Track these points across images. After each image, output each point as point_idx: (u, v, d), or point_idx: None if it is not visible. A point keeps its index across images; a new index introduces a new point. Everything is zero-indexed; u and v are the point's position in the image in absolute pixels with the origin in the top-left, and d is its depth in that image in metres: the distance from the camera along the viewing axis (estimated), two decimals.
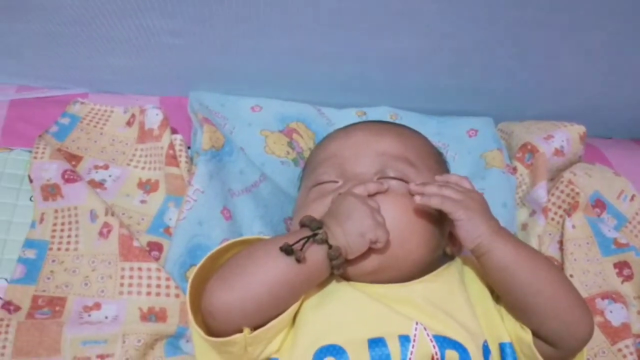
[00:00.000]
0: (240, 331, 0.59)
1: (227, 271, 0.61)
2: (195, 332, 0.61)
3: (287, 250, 0.57)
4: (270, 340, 0.61)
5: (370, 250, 0.63)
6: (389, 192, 0.68)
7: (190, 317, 0.61)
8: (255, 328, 0.59)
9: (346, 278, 0.65)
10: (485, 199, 0.69)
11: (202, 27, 0.86)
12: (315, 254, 0.59)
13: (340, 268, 0.61)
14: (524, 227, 0.95)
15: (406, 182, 0.69)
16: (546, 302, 0.62)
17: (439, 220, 0.69)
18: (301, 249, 0.58)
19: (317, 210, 0.67)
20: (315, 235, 0.59)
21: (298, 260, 0.58)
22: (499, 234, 0.64)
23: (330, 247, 0.59)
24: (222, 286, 0.59)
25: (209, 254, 0.66)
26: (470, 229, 0.64)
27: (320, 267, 0.60)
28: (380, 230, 0.61)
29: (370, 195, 0.66)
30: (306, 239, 0.59)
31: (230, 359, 0.62)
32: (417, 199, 0.65)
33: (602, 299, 0.85)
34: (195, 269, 0.64)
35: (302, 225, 0.62)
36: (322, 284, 0.64)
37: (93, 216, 0.81)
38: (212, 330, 0.61)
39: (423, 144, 0.80)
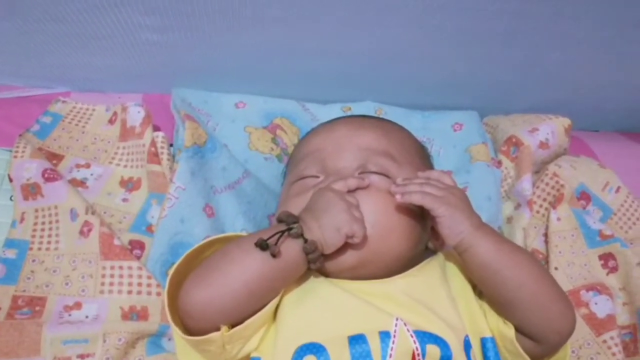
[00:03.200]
0: (218, 329, 0.58)
1: (203, 269, 0.60)
2: (174, 330, 0.61)
3: (262, 245, 0.57)
4: (248, 338, 0.61)
5: (349, 246, 0.62)
6: (370, 188, 0.67)
7: (169, 315, 0.60)
8: (233, 326, 0.59)
9: (326, 274, 0.65)
10: (466, 194, 0.68)
11: (181, 22, 0.85)
12: (291, 248, 0.59)
13: (317, 262, 0.60)
14: (510, 220, 0.95)
15: (388, 177, 0.69)
16: (528, 297, 0.61)
17: (420, 215, 0.68)
18: (276, 244, 0.58)
19: (297, 205, 0.66)
20: (290, 229, 0.59)
21: (273, 255, 0.57)
22: (480, 230, 0.63)
23: (305, 241, 0.59)
24: (198, 284, 0.58)
25: (188, 251, 0.65)
26: (452, 225, 0.63)
27: (297, 261, 0.60)
28: (357, 224, 0.61)
29: (351, 191, 0.66)
30: (281, 233, 0.58)
31: (209, 357, 0.62)
32: (398, 197, 0.64)
33: (587, 290, 0.85)
34: (174, 267, 0.63)
35: (279, 220, 0.62)
36: (302, 281, 0.64)
37: (73, 215, 0.80)
38: (190, 328, 0.60)
39: (406, 139, 0.79)
